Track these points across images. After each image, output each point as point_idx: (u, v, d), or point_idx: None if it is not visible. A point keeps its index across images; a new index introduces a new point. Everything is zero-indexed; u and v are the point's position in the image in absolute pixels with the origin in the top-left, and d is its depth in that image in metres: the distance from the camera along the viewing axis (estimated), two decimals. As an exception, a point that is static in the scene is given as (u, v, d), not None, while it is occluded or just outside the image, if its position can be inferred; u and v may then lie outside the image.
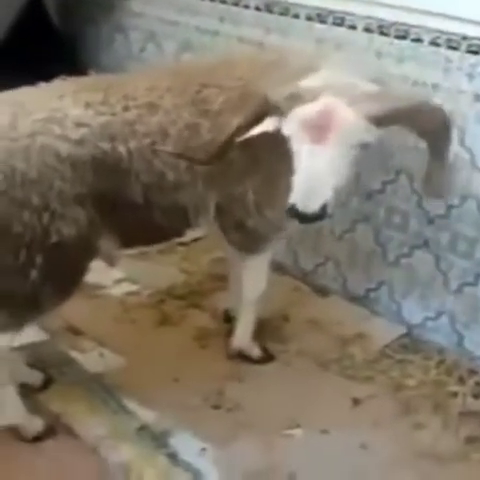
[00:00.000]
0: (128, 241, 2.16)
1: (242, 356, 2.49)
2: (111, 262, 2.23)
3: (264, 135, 1.97)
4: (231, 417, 2.28)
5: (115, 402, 2.32)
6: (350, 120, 1.83)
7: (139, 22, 3.36)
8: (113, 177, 2.01)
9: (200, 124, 2.08)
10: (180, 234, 2.25)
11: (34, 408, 2.22)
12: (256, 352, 2.49)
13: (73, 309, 2.20)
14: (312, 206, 1.81)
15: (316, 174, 1.83)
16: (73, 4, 3.67)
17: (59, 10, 3.79)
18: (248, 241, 2.29)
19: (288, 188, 1.89)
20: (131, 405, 2.30)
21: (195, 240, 3.05)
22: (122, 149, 2.01)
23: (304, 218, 1.83)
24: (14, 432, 2.17)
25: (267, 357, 2.50)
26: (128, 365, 2.45)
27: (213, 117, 2.08)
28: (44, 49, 3.59)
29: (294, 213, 1.82)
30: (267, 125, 1.94)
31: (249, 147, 2.05)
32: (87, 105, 2.01)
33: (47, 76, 3.56)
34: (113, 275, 2.82)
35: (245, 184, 2.15)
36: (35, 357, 2.42)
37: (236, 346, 2.49)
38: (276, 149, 2.00)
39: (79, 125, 1.97)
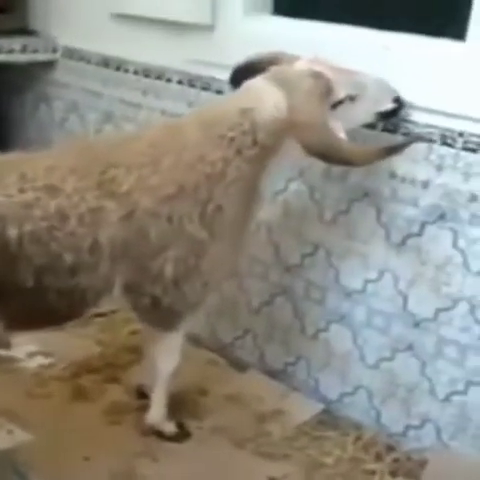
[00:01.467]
0: (19, 325, 2.08)
1: (156, 433, 2.42)
2: (3, 346, 2.16)
3: (186, 199, 2.03)
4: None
5: (23, 481, 2.23)
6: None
7: (63, 92, 3.36)
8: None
9: (104, 207, 2.02)
10: (77, 315, 2.18)
11: None
12: (170, 428, 2.42)
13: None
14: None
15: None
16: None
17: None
18: (162, 319, 2.24)
19: (210, 257, 1.90)
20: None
21: (113, 311, 3.01)
22: (12, 232, 1.93)
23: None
24: None
25: (182, 434, 2.44)
26: (38, 442, 2.36)
27: (121, 198, 2.04)
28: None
29: (400, 103, 2.18)
30: None
31: (171, 213, 2.05)
32: None
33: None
34: (26, 348, 2.75)
35: (164, 257, 2.11)
36: None
37: (150, 422, 2.42)
38: (202, 214, 2.04)
39: None
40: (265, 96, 2.10)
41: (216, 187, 2.08)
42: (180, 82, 2.86)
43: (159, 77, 2.94)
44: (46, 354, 2.79)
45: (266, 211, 2.60)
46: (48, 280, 2.00)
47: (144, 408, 2.45)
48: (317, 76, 2.08)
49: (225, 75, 2.61)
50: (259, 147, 2.10)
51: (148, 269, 2.11)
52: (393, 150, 2.17)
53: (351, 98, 2.14)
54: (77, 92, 3.30)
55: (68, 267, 2.01)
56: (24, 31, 3.46)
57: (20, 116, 3.60)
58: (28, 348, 2.75)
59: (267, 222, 2.64)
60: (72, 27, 3.30)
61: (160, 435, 2.42)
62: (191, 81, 2.82)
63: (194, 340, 2.77)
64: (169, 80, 2.90)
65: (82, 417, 2.50)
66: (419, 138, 2.22)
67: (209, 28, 2.71)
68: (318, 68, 2.10)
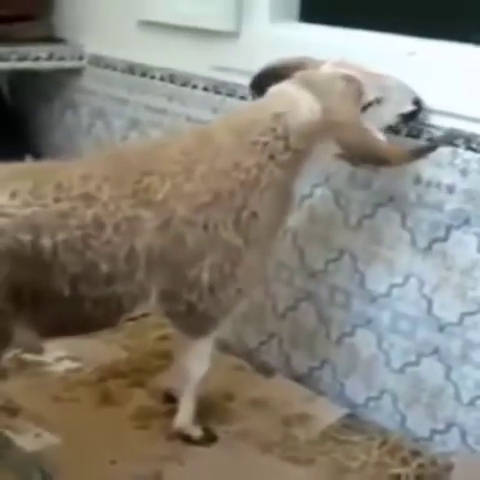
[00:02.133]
0: (53, 332, 2.11)
1: (183, 437, 2.43)
2: (33, 351, 2.18)
3: (221, 206, 2.06)
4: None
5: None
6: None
7: (89, 99, 3.40)
8: (32, 269, 1.95)
9: (140, 215, 2.03)
10: (113, 324, 2.20)
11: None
12: (197, 433, 2.43)
13: (12, 388, 2.15)
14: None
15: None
16: (26, 81, 3.69)
17: (12, 87, 3.83)
18: (196, 325, 2.25)
19: (245, 264, 1.94)
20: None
21: (144, 315, 3.03)
22: (46, 241, 1.94)
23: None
24: None
25: (209, 438, 2.45)
26: (65, 445, 2.37)
27: (157, 207, 2.05)
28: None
29: (420, 105, 2.20)
30: None
31: (207, 221, 2.06)
32: (13, 194, 1.95)
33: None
34: (55, 353, 2.77)
35: (201, 265, 2.11)
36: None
37: (178, 426, 2.43)
38: (236, 221, 2.06)
39: (1, 215, 1.92)
40: (297, 99, 2.10)
41: (251, 194, 2.09)
42: (205, 89, 2.89)
43: (185, 84, 2.96)
44: (74, 359, 2.81)
45: (292, 216, 2.62)
46: (84, 289, 2.02)
47: (171, 413, 2.47)
48: (348, 78, 2.11)
49: (250, 82, 2.65)
50: (292, 152, 2.10)
51: (185, 277, 2.11)
52: (427, 150, 2.20)
53: (378, 101, 2.16)
54: (103, 99, 3.33)
55: (104, 276, 2.02)
56: (51, 39, 3.50)
57: (47, 123, 3.64)
58: (56, 352, 2.77)
59: (293, 227, 2.65)
60: (98, 35, 3.33)
61: (187, 439, 2.42)
62: (216, 87, 2.84)
63: (221, 346, 2.79)
64: (195, 86, 2.92)
65: (109, 421, 2.51)
66: (451, 138, 2.23)
67: (235, 35, 2.73)
68: (347, 71, 2.13)
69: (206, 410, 2.51)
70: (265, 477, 2.32)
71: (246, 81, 2.59)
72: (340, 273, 2.57)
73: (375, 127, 2.14)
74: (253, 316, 2.84)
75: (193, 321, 2.22)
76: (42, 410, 2.51)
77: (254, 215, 2.11)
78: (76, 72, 3.44)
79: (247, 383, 2.74)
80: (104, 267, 2.01)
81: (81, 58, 3.41)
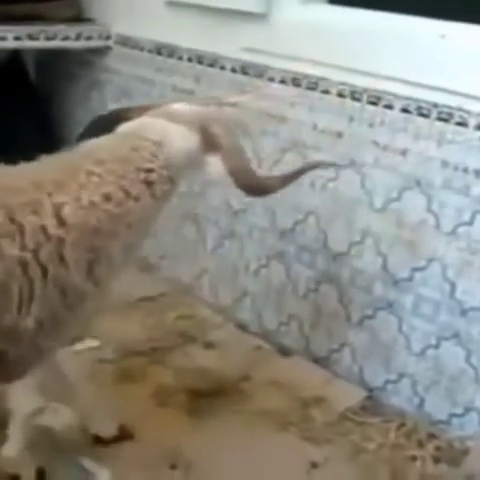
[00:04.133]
0: None
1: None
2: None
3: None
4: (187, 477, 2.22)
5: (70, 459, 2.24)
6: None
7: (116, 79, 3.42)
8: None
9: None
10: None
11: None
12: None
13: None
14: None
15: None
16: (52, 60, 3.71)
17: (38, 66, 3.85)
18: (6, 370, 1.87)
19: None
20: (86, 463, 2.23)
21: (162, 295, 3.06)
22: None
23: None
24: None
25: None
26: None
27: None
28: (19, 105, 3.63)
29: None
30: None
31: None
32: None
33: (21, 132, 3.62)
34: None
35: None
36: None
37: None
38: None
39: None
40: (170, 129, 1.93)
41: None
42: (233, 70, 2.89)
43: (212, 64, 2.97)
44: (94, 337, 2.82)
45: (315, 199, 2.64)
46: None
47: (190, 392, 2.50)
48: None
49: (279, 64, 2.67)
50: (171, 182, 1.90)
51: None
52: (297, 174, 2.03)
53: None
54: (130, 79, 3.35)
55: None
56: (79, 19, 3.52)
57: (72, 102, 3.66)
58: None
59: (316, 210, 2.66)
60: (126, 14, 3.35)
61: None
62: (244, 69, 2.85)
63: (240, 326, 2.80)
64: (222, 68, 2.94)
65: (129, 398, 2.52)
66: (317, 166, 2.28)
67: (264, 16, 2.73)
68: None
69: (223, 389, 2.55)
70: (282, 456, 2.34)
71: (275, 63, 2.62)
72: (362, 256, 2.58)
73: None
74: (273, 297, 2.85)
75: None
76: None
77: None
78: (103, 52, 3.46)
79: (266, 363, 2.75)
80: None
81: (108, 38, 3.43)
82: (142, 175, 1.82)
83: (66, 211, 1.71)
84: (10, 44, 3.31)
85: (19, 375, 1.91)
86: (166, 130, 1.91)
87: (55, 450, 2.23)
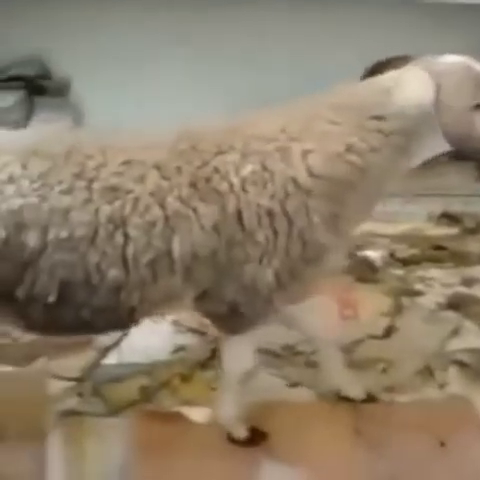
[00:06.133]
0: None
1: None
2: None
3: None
4: None
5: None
6: None
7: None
8: (9, 267, 1.74)
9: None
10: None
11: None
12: (241, 433, 2.22)
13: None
14: None
15: None
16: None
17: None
18: (234, 324, 2.02)
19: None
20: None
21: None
22: (30, 238, 1.72)
23: None
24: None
25: (255, 438, 2.21)
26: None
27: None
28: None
29: None
30: None
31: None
32: (11, 179, 1.74)
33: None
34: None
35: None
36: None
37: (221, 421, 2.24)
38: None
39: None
40: (411, 77, 1.90)
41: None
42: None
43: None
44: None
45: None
46: (79, 296, 1.84)
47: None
48: (470, 69, 1.89)
49: None
50: (405, 134, 1.89)
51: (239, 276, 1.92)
52: None
53: None
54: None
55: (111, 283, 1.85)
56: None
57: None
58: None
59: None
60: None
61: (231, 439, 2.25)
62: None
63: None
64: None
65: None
66: None
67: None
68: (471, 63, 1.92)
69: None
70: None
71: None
72: None
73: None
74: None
75: (231, 320, 2.00)
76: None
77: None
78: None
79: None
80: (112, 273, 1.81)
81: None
82: (375, 122, 1.85)
83: (314, 160, 1.81)
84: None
85: (245, 329, 2.03)
86: (406, 81, 1.89)
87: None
